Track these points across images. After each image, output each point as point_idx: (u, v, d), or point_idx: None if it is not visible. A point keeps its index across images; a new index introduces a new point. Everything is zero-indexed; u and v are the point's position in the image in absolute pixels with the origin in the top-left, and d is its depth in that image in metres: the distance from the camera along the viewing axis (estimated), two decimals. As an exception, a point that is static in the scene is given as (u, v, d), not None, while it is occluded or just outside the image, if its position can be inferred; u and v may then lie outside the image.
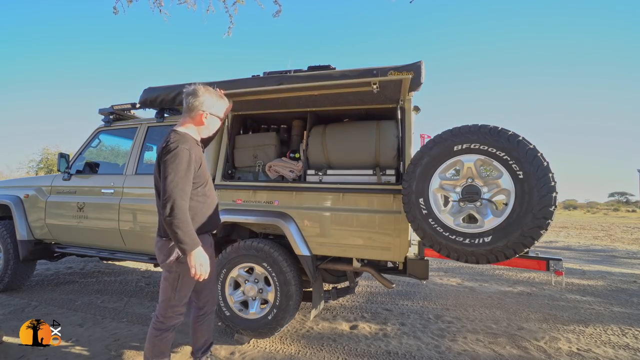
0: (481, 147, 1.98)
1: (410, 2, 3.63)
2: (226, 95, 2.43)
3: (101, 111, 3.54)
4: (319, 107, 2.70)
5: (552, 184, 1.81)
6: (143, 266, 5.07)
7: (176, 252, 1.70)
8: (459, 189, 2.09)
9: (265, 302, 2.60)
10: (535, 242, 1.85)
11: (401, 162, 2.39)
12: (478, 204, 2.03)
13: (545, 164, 1.84)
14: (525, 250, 1.91)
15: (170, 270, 1.75)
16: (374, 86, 2.05)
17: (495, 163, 1.97)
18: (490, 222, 1.96)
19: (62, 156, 3.49)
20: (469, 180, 2.07)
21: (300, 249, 2.45)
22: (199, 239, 1.65)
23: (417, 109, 2.84)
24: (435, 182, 2.10)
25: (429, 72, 2.42)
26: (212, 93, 1.81)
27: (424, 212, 2.07)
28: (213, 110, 1.82)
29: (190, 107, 1.76)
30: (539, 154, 1.86)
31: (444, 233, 2.03)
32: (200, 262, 1.65)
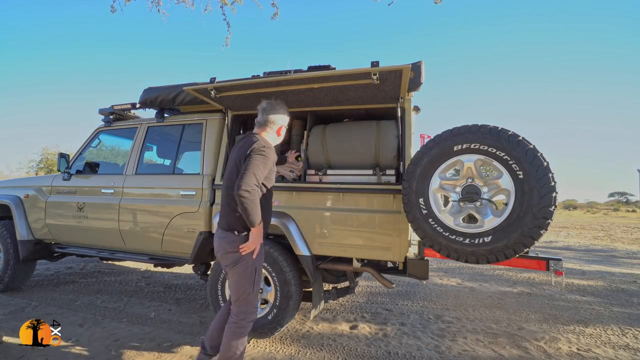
0: (481, 147, 1.98)
1: (389, 4, 3.70)
2: (230, 87, 2.43)
3: (101, 111, 3.54)
4: (319, 107, 2.70)
5: (552, 183, 1.81)
6: (143, 266, 5.07)
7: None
8: (459, 189, 2.09)
9: (265, 302, 2.60)
10: (535, 242, 1.85)
11: (401, 162, 2.39)
12: (478, 204, 2.03)
13: (545, 163, 1.84)
14: (525, 250, 1.91)
15: (246, 266, 1.86)
16: (374, 77, 2.05)
17: (495, 163, 1.97)
18: (490, 222, 1.96)
19: (62, 156, 3.49)
20: (469, 180, 2.07)
21: (300, 249, 2.45)
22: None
23: (417, 109, 2.84)
24: (435, 182, 2.10)
25: (429, 72, 2.42)
26: (284, 108, 2.04)
27: (424, 212, 2.07)
28: (286, 123, 2.06)
29: (270, 120, 1.97)
30: (538, 154, 1.86)
31: (444, 233, 2.03)
32: (259, 239, 1.84)
